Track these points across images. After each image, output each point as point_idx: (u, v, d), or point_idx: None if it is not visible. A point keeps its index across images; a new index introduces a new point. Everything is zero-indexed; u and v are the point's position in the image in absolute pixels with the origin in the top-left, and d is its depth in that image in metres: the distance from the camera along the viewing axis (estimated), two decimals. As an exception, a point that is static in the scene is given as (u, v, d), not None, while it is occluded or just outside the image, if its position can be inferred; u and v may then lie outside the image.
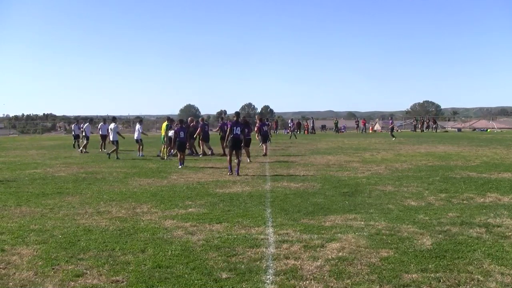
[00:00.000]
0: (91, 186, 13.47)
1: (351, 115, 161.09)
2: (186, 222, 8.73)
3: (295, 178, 14.64)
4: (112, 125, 23.52)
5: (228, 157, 16.35)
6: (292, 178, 14.52)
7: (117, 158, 22.07)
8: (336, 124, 62.84)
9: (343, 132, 62.60)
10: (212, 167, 17.92)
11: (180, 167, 18.05)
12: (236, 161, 16.01)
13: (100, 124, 29.51)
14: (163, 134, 22.66)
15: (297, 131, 60.72)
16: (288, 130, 46.92)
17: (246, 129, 16.70)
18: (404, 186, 12.72)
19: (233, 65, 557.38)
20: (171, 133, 21.09)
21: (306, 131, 59.88)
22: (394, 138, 38.40)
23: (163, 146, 22.84)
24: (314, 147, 29.51)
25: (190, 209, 9.94)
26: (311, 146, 31.17)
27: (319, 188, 12.63)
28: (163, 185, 13.63)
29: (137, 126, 25.13)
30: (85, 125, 29.15)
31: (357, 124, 64.95)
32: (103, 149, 27.18)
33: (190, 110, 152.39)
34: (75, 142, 30.99)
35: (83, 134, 28.72)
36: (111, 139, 23.26)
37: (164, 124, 22.92)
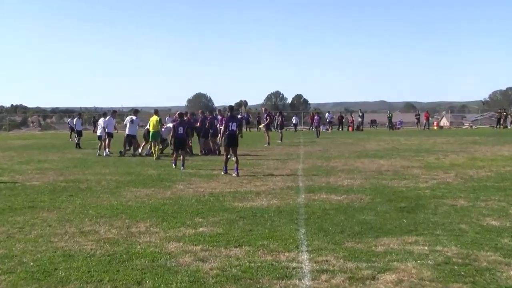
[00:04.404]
0: (73, 199, 13.57)
1: (409, 106, 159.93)
2: (196, 245, 8.72)
3: (336, 188, 14.57)
4: (129, 118, 26.20)
5: (224, 156, 18.47)
6: (332, 189, 14.44)
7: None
8: (390, 118, 62.47)
9: (398, 128, 62.14)
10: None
11: (174, 167, 19.93)
12: (233, 159, 17.94)
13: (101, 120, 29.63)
14: (151, 130, 24.68)
15: (339, 128, 60.62)
16: (317, 126, 46.26)
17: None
18: (481, 200, 12.53)
19: (257, 44, 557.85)
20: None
21: (350, 128, 59.64)
22: None
23: (150, 143, 25.31)
24: (361, 148, 29.39)
25: (200, 228, 9.93)
26: (358, 147, 31.04)
27: (368, 201, 12.54)
28: (166, 197, 13.69)
29: (131, 118, 26.57)
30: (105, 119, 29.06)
31: (418, 119, 64.35)
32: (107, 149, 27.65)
33: (200, 101, 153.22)
34: (78, 139, 34.26)
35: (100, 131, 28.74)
36: (127, 132, 26.08)
37: (154, 119, 24.87)
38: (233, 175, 17.44)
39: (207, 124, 26.70)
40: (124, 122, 27.90)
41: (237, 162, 17.83)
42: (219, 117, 27.25)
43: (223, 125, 18.53)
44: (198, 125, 26.85)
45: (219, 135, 22.41)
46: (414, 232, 9.45)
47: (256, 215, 11.11)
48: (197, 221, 10.59)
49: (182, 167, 19.54)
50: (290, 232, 9.55)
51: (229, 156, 18.24)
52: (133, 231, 9.85)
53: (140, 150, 26.41)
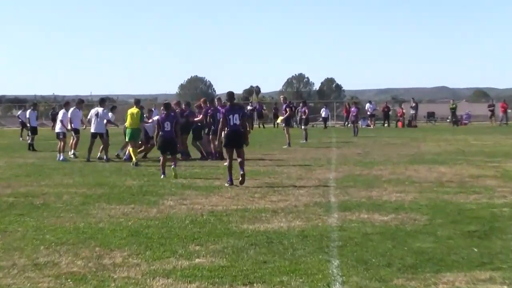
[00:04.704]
0: (24, 219, 13.58)
1: (480, 94, 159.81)
2: (191, 282, 8.69)
3: (381, 205, 14.57)
4: (94, 110, 26.73)
5: (227, 161, 18.59)
6: (376, 206, 14.45)
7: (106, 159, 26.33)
8: (453, 110, 62.37)
9: (465, 124, 62.09)
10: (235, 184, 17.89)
11: (162, 176, 20.18)
12: (239, 162, 18.01)
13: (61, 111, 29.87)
14: (129, 126, 25.36)
15: (384, 123, 60.52)
16: (354, 121, 46.16)
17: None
18: None
19: (273, 13, 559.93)
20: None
21: (400, 123, 59.57)
22: None
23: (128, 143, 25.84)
24: (414, 151, 29.53)
25: (197, 260, 9.92)
26: (410, 149, 31.17)
27: (425, 223, 12.51)
28: (150, 216, 13.71)
29: (96, 111, 26.90)
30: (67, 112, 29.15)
31: (492, 111, 64.27)
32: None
33: (197, 87, 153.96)
34: (31, 138, 34.23)
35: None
36: (92, 130, 26.38)
37: (134, 111, 25.41)
38: (238, 182, 17.58)
39: (208, 118, 26.48)
40: (89, 117, 27.65)
41: (242, 162, 17.99)
42: (219, 108, 27.19)
43: (221, 118, 18.66)
44: (199, 118, 26.61)
45: None
46: (488, 265, 9.37)
47: (272, 241, 11.07)
48: (192, 250, 10.57)
49: (173, 166, 19.84)
50: (319, 264, 9.50)
51: (233, 161, 18.16)
52: (105, 263, 9.81)
53: (120, 152, 26.72)
